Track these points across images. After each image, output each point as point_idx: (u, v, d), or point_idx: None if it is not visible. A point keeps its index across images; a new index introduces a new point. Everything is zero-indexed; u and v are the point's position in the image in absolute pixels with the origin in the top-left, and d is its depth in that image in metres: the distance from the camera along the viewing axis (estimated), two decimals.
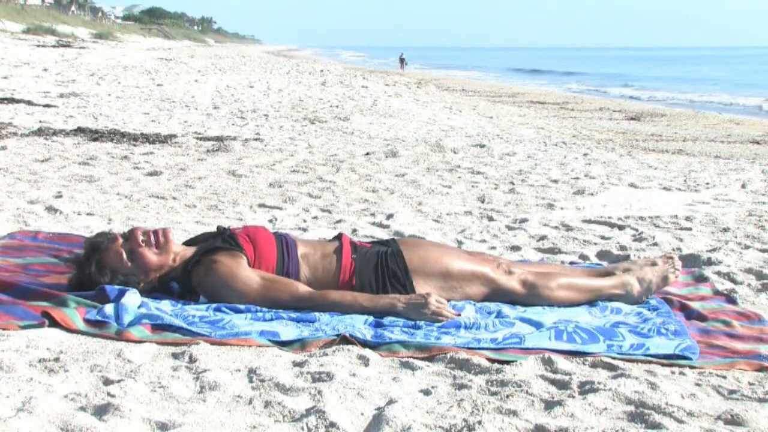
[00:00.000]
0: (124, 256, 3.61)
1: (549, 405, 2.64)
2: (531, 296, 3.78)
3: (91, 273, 3.58)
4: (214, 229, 4.19)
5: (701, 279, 4.35)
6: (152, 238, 3.66)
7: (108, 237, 3.70)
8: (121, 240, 3.66)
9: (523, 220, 5.75)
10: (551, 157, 9.48)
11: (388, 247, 3.80)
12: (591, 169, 8.54)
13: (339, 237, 3.85)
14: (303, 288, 3.56)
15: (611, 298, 3.85)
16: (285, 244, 3.72)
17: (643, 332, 3.34)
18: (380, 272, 3.67)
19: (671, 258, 4.04)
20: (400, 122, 13.21)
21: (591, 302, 3.81)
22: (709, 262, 4.68)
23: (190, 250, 3.72)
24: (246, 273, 3.54)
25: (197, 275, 3.58)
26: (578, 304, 3.79)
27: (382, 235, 5.14)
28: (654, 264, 3.99)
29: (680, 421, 2.54)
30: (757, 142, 12.74)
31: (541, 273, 3.86)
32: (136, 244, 3.63)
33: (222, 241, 3.68)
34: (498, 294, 3.77)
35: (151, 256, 3.62)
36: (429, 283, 3.68)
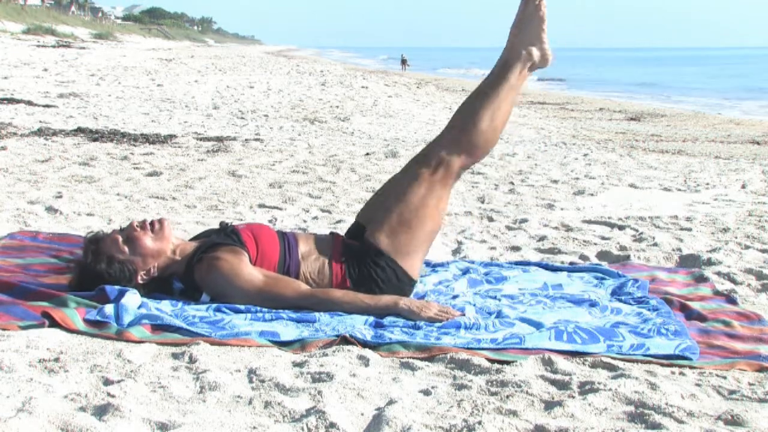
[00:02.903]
0: (120, 240, 3.63)
1: (549, 405, 2.64)
2: (473, 153, 3.74)
3: (88, 261, 3.59)
4: (216, 227, 4.19)
5: (701, 279, 4.34)
6: (148, 224, 3.68)
7: (106, 232, 3.74)
8: (119, 231, 3.70)
9: (523, 221, 5.75)
10: (551, 158, 9.48)
11: (359, 238, 3.78)
12: (591, 169, 8.54)
13: (333, 237, 3.83)
14: (305, 286, 3.57)
15: (526, 77, 3.82)
16: (287, 242, 3.72)
17: (643, 332, 3.34)
18: (365, 268, 3.67)
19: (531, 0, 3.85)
20: (400, 122, 13.22)
21: (514, 101, 3.79)
22: (709, 263, 4.69)
23: (192, 245, 3.72)
24: (248, 270, 3.55)
25: (199, 272, 3.59)
26: (507, 112, 3.76)
27: None
28: (523, 21, 3.82)
29: (680, 422, 2.54)
30: (757, 143, 12.74)
31: (460, 126, 3.76)
32: (132, 229, 3.66)
33: (225, 236, 3.69)
34: (455, 179, 3.77)
35: (147, 240, 3.63)
36: (412, 254, 3.69)
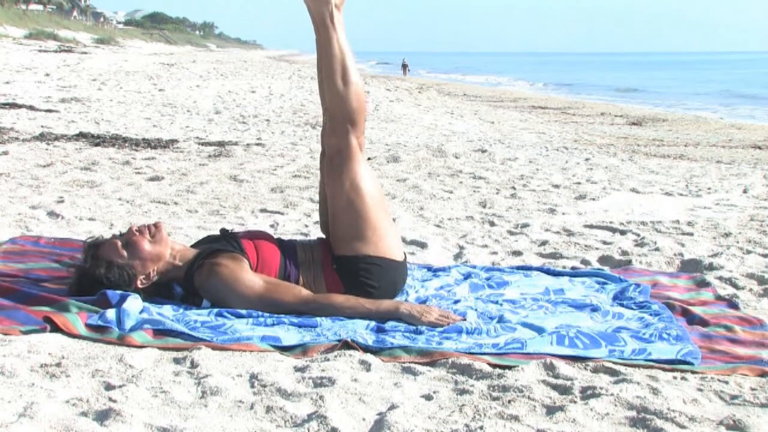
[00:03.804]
0: (119, 245, 3.64)
1: (551, 410, 2.64)
2: (354, 114, 3.75)
3: (87, 266, 3.60)
4: (216, 232, 4.20)
5: (703, 284, 4.34)
6: (146, 229, 3.70)
7: (106, 237, 3.76)
8: (118, 236, 3.73)
9: (525, 225, 5.75)
10: (553, 162, 9.48)
11: (329, 249, 3.77)
12: (592, 174, 8.54)
13: (320, 244, 3.83)
14: (306, 291, 3.57)
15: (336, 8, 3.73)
16: (286, 249, 3.73)
17: (644, 337, 3.33)
18: (349, 274, 3.67)
19: None
20: (401, 127, 13.22)
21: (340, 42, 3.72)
22: (711, 267, 4.68)
23: (192, 251, 3.73)
24: (248, 276, 3.55)
25: (200, 278, 3.59)
26: (344, 57, 3.72)
27: None
28: None
29: (682, 427, 2.54)
30: (759, 147, 12.72)
31: (326, 102, 3.78)
32: (131, 234, 3.68)
33: (225, 243, 3.69)
34: (361, 146, 3.80)
35: (145, 244, 3.65)
36: (380, 240, 3.67)
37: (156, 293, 3.67)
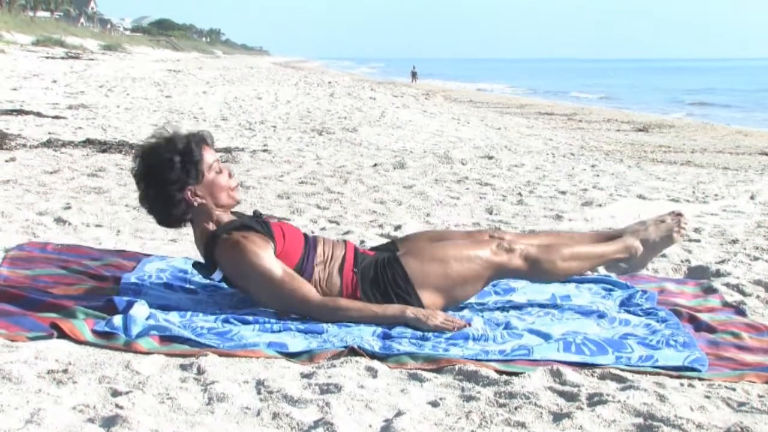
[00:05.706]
0: (217, 160, 3.70)
1: (557, 417, 2.63)
2: (535, 272, 3.81)
3: (167, 138, 3.63)
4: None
5: (710, 291, 4.33)
6: (237, 181, 3.77)
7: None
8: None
9: (532, 232, 5.74)
10: (559, 169, 9.47)
11: (388, 253, 3.78)
12: (599, 180, 8.53)
13: (345, 245, 3.83)
14: (315, 293, 3.56)
15: (617, 262, 3.95)
16: (309, 245, 3.72)
17: (651, 344, 3.33)
18: (381, 283, 3.66)
19: (680, 215, 4.04)
20: (408, 133, 13.22)
21: (594, 268, 3.99)
22: (718, 274, 4.67)
23: (229, 218, 3.73)
24: (270, 260, 3.54)
25: (223, 246, 3.57)
26: (582, 273, 3.95)
27: None
28: (661, 222, 4.01)
29: None
30: (766, 154, 12.70)
31: (544, 246, 3.85)
32: (229, 171, 3.74)
33: (256, 223, 3.68)
34: (501, 275, 3.80)
35: (224, 178, 3.68)
36: (433, 293, 3.68)
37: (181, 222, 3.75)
